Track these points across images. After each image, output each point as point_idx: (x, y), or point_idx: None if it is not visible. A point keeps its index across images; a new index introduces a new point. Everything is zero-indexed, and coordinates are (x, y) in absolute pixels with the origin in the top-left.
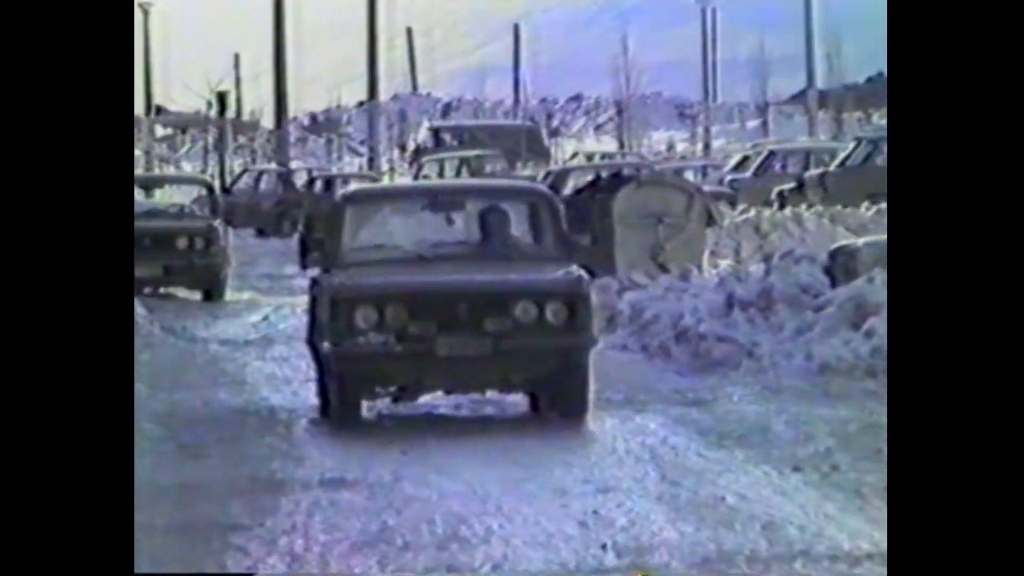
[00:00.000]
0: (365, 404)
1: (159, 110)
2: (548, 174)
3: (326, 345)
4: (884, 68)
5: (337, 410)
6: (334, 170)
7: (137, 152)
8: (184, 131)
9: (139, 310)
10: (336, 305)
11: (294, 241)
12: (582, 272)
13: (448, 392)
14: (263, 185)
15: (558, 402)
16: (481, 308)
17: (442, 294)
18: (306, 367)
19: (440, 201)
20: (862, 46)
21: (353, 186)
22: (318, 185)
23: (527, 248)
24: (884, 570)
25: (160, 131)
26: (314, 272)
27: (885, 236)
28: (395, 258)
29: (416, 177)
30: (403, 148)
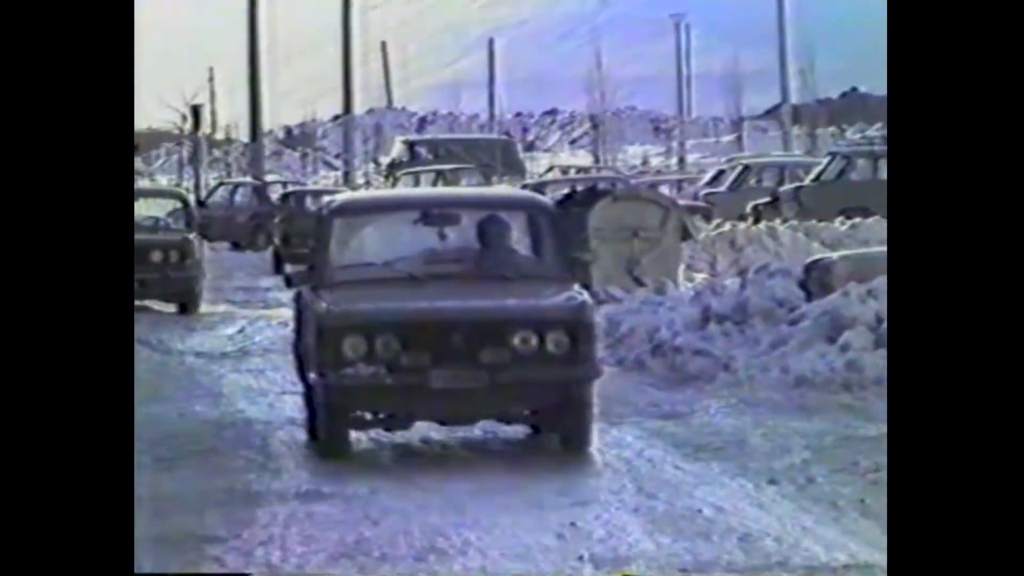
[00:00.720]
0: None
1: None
2: (524, 187)
3: (312, 375)
4: (857, 84)
5: (325, 439)
6: (309, 184)
7: None
8: (157, 145)
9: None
10: (323, 333)
11: (269, 254)
12: (585, 296)
13: (442, 424)
14: (238, 198)
15: (559, 435)
16: (477, 338)
17: (436, 323)
18: (281, 379)
19: (434, 213)
20: (835, 62)
21: (341, 197)
22: (291, 200)
23: (527, 265)
24: None
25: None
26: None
27: (860, 250)
28: (386, 277)
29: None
30: (377, 162)
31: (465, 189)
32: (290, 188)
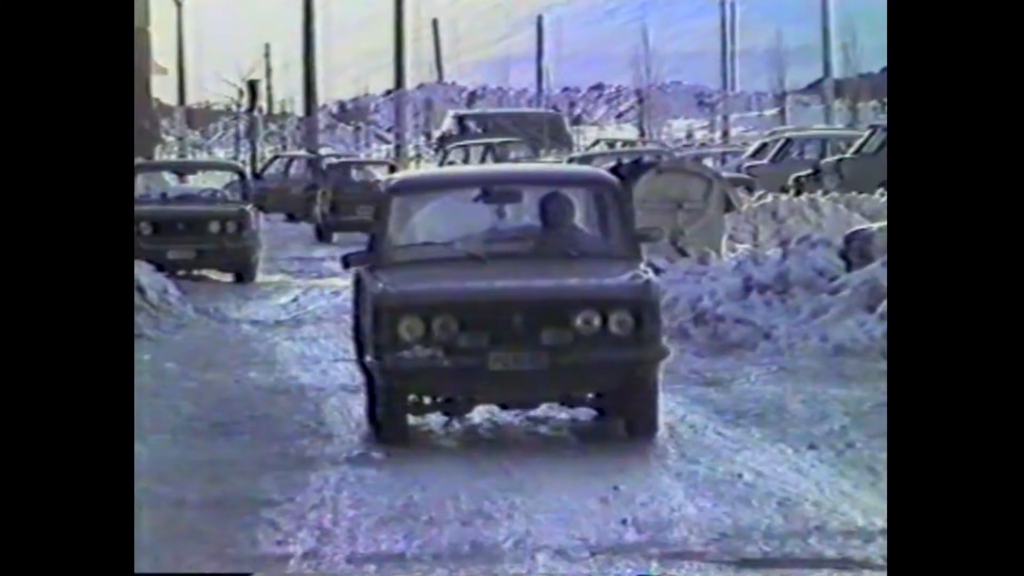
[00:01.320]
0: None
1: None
2: (571, 160)
3: (369, 357)
4: None
5: (383, 424)
6: (361, 156)
7: (171, 139)
8: (216, 119)
9: (173, 291)
10: (379, 315)
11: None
12: (651, 275)
13: (502, 407)
14: (293, 171)
15: (624, 419)
16: (538, 319)
17: (495, 303)
18: (334, 347)
19: (495, 191)
20: (877, 37)
21: (400, 175)
22: (337, 171)
23: (591, 243)
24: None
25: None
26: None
27: None
28: (445, 257)
29: (442, 164)
30: (428, 135)
31: (526, 165)
32: (333, 160)
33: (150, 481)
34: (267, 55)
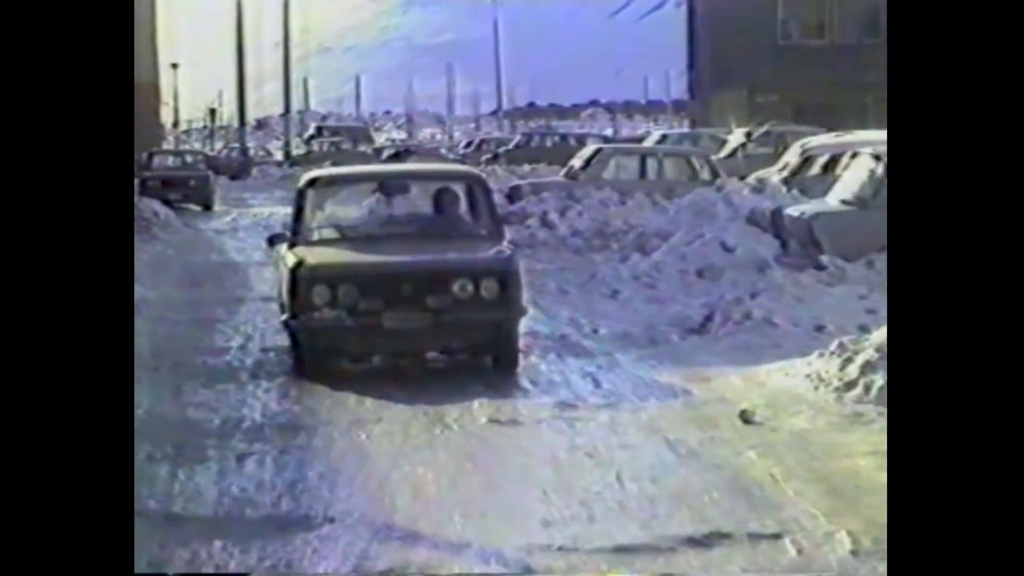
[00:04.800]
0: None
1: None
2: (376, 151)
3: (287, 317)
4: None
5: (303, 369)
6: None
7: (168, 140)
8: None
9: (172, 215)
10: (296, 283)
11: (255, 179)
12: (512, 251)
13: (395, 357)
14: (232, 155)
15: (492, 360)
16: (423, 286)
17: (388, 274)
18: (252, 242)
19: (388, 184)
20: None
21: (314, 171)
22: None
23: (464, 226)
24: None
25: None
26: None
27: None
28: (348, 236)
29: (308, 152)
30: (300, 135)
31: (412, 165)
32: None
33: (161, 309)
34: (219, 96)
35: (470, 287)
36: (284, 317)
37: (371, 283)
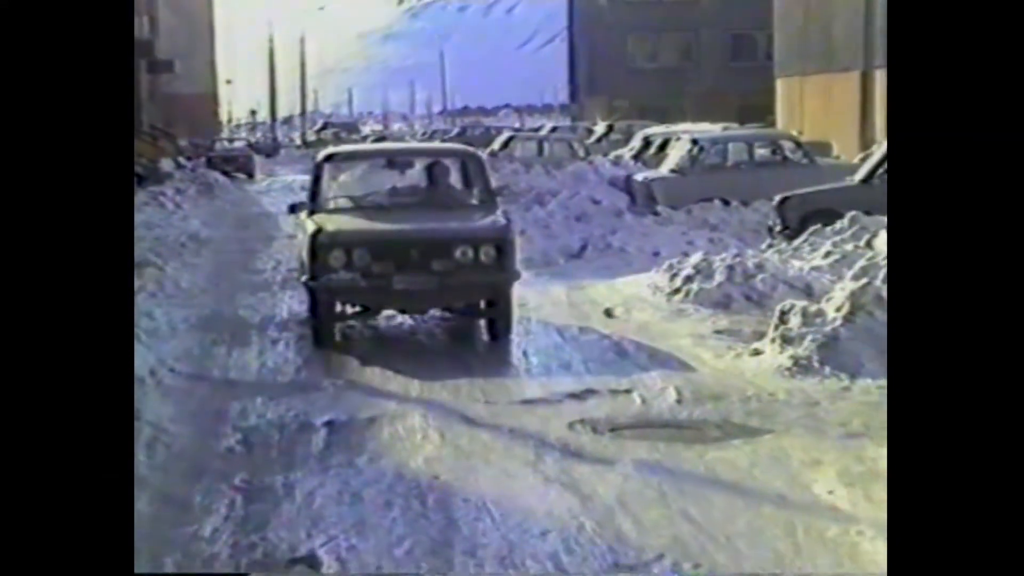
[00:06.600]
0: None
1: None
2: (363, 138)
3: (307, 278)
4: None
5: (319, 327)
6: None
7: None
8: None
9: (227, 182)
10: (316, 248)
11: (283, 157)
12: (508, 219)
13: (402, 313)
14: (266, 142)
15: (487, 322)
16: (429, 251)
17: (398, 241)
18: (282, 200)
19: (397, 160)
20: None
21: (329, 149)
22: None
23: (464, 198)
24: None
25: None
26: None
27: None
28: (361, 206)
29: (317, 139)
30: (312, 128)
31: (417, 143)
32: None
33: (220, 243)
34: (258, 102)
35: (471, 253)
36: (304, 278)
37: (383, 249)
